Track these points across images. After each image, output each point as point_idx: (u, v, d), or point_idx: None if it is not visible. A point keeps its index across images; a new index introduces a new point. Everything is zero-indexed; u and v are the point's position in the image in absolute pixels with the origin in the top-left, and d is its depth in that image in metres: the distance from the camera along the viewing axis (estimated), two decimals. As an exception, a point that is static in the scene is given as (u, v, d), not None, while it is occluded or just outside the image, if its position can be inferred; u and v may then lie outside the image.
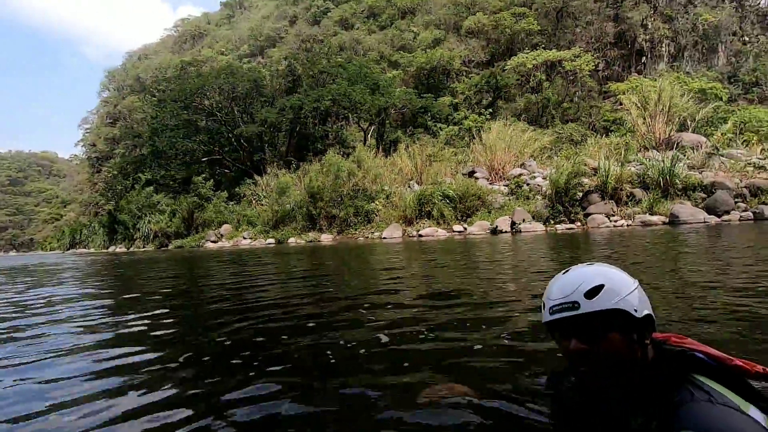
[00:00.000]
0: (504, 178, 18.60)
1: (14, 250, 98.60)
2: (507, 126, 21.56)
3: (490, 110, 32.00)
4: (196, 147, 32.95)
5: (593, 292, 1.03)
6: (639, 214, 12.77)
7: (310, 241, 18.22)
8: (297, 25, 54.49)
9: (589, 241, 8.60)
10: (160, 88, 38.78)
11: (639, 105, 19.01)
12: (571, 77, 34.14)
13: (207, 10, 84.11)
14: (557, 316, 1.06)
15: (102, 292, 5.70)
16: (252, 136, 31.68)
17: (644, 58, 35.93)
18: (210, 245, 22.84)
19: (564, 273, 1.13)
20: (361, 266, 6.72)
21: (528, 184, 16.54)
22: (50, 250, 52.32)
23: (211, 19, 76.48)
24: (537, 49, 34.58)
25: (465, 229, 14.95)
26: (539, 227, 13.26)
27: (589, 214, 13.17)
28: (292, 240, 19.11)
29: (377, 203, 18.85)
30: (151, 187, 32.47)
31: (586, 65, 32.09)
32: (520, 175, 17.69)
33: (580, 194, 13.89)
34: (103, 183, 49.21)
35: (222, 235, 23.80)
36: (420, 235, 15.13)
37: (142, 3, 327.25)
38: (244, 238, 21.77)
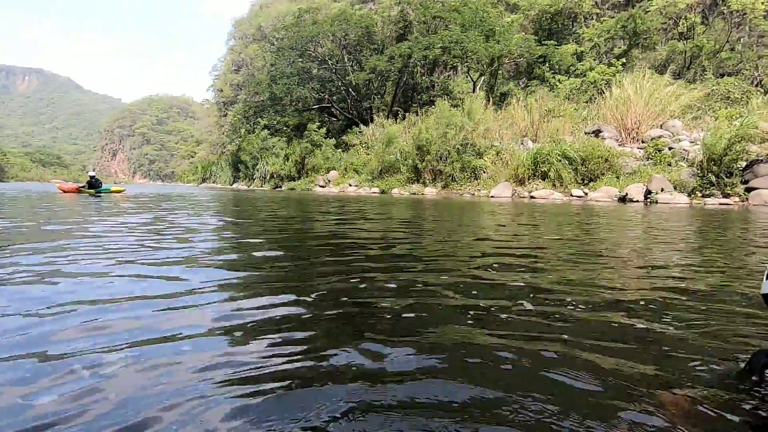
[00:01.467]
0: (638, 140, 16.27)
1: (160, 180, 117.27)
2: (645, 78, 18.44)
3: (623, 60, 27.74)
4: (308, 94, 34.48)
5: None
6: (827, 193, 10.25)
7: (414, 194, 18.29)
8: (410, -34, 51.80)
9: (754, 221, 7.14)
10: (278, 36, 40.67)
11: None
12: (737, 19, 27.80)
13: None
14: None
15: (229, 222, 6.31)
16: (360, 84, 32.04)
17: None
18: (318, 189, 24.31)
19: None
20: (479, 222, 6.45)
21: (671, 148, 14.22)
22: (187, 183, 61.00)
23: (326, -35, 76.45)
24: (696, -16, 28.46)
25: (586, 194, 13.59)
26: (682, 199, 11.43)
27: (753, 189, 10.93)
28: (395, 191, 19.39)
29: (486, 159, 18.01)
30: (266, 131, 35.19)
31: (762, 3, 25.60)
32: (660, 137, 15.26)
33: (743, 164, 11.54)
34: (229, 126, 54.67)
35: (329, 181, 25.12)
36: (532, 197, 14.17)
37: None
38: (350, 185, 22.69)
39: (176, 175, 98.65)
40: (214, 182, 49.06)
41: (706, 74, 25.34)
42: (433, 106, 22.98)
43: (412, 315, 1.81)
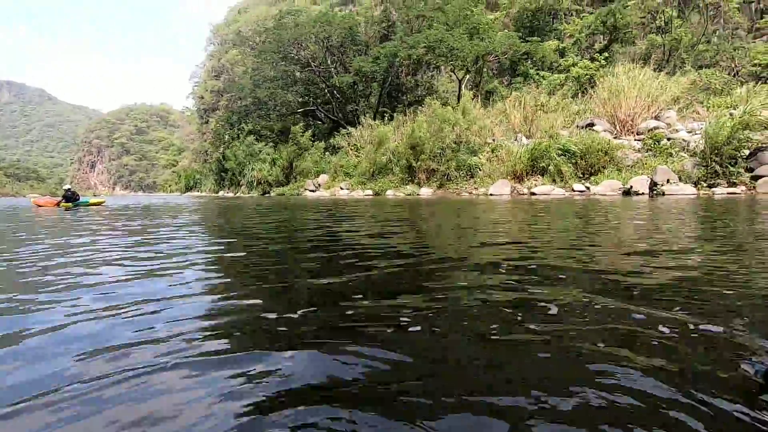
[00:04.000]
0: (633, 132, 16.13)
1: (142, 191, 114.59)
2: (636, 69, 18.33)
3: (605, 55, 27.89)
4: (293, 98, 33.81)
5: None
6: (833, 178, 10.15)
7: (409, 195, 17.82)
8: (391, -34, 51.55)
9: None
10: (260, 39, 39.91)
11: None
12: (712, 12, 28.43)
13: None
14: None
15: (215, 228, 5.74)
16: (345, 87, 31.53)
17: (826, -19, 28.33)
18: (309, 194, 23.64)
19: None
20: (482, 223, 5.98)
21: (669, 139, 14.07)
22: (170, 192, 59.51)
23: (304, -32, 75.71)
24: (672, -22, 28.92)
25: (588, 188, 13.32)
26: (689, 190, 11.21)
27: (760, 177, 10.78)
28: (390, 192, 18.89)
29: (481, 157, 17.67)
30: (253, 137, 34.38)
31: (737, -5, 26.11)
32: (657, 128, 15.13)
33: (746, 152, 11.40)
34: (211, 133, 53.46)
35: (320, 185, 24.47)
36: (532, 193, 13.84)
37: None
38: (342, 189, 22.10)
39: (158, 185, 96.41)
40: (198, 191, 47.89)
41: (685, 66, 25.57)
42: (419, 106, 22.62)
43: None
